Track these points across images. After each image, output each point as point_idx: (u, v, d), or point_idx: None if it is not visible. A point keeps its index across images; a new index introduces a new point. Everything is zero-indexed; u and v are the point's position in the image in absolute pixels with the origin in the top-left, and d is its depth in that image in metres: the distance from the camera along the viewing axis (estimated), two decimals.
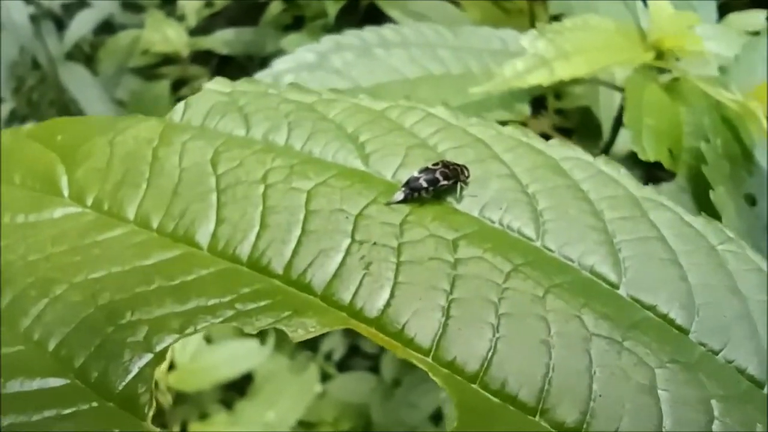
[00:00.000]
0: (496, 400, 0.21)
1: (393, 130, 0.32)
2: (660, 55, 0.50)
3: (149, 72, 1.22)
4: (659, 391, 0.21)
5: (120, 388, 0.20)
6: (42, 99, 1.15)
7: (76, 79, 1.09)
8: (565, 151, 0.31)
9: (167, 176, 0.28)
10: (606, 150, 0.61)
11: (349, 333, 0.84)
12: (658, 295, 0.25)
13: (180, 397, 0.82)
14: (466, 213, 0.28)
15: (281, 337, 0.81)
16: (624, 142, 0.59)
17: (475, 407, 0.20)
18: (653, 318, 0.25)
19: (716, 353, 0.24)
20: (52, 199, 0.30)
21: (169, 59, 1.20)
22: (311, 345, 0.93)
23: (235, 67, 1.19)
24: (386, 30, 0.59)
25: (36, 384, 0.21)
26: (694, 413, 0.21)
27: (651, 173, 0.69)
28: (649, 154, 0.43)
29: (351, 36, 0.58)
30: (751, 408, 0.22)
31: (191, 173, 0.28)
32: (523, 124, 0.73)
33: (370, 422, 0.85)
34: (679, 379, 0.22)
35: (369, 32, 0.58)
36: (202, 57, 1.22)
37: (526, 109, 0.59)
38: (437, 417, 0.82)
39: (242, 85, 0.33)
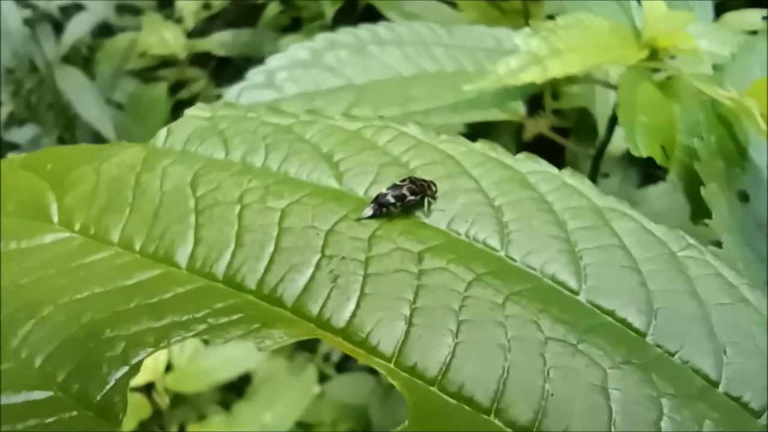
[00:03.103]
0: (452, 401, 0.22)
1: (366, 149, 0.33)
2: (654, 53, 0.50)
3: (147, 75, 1.22)
4: (610, 391, 0.22)
5: (98, 398, 0.22)
6: (40, 102, 1.14)
7: (73, 83, 1.07)
8: (532, 165, 0.33)
9: (149, 200, 0.30)
10: (602, 148, 0.61)
11: None
12: (617, 301, 0.26)
13: (178, 399, 0.81)
14: (433, 226, 0.30)
15: None
16: (620, 140, 0.59)
17: (430, 407, 0.21)
18: (611, 322, 0.26)
19: (672, 354, 0.25)
20: (42, 225, 0.32)
21: (166, 62, 1.21)
22: (309, 346, 0.92)
23: (233, 69, 1.17)
24: (381, 28, 0.59)
25: (22, 397, 0.22)
26: (643, 411, 0.22)
27: (649, 172, 0.70)
28: (641, 151, 0.43)
29: (345, 34, 0.59)
30: (703, 406, 0.23)
31: (171, 196, 0.30)
32: (521, 124, 0.74)
33: (369, 423, 0.84)
34: (631, 379, 0.23)
35: (363, 30, 0.59)
36: (200, 59, 1.22)
37: (520, 108, 0.59)
38: None
39: (222, 109, 0.35)
